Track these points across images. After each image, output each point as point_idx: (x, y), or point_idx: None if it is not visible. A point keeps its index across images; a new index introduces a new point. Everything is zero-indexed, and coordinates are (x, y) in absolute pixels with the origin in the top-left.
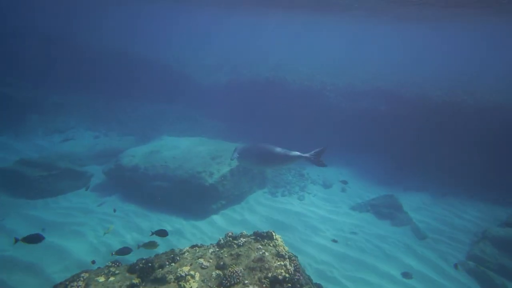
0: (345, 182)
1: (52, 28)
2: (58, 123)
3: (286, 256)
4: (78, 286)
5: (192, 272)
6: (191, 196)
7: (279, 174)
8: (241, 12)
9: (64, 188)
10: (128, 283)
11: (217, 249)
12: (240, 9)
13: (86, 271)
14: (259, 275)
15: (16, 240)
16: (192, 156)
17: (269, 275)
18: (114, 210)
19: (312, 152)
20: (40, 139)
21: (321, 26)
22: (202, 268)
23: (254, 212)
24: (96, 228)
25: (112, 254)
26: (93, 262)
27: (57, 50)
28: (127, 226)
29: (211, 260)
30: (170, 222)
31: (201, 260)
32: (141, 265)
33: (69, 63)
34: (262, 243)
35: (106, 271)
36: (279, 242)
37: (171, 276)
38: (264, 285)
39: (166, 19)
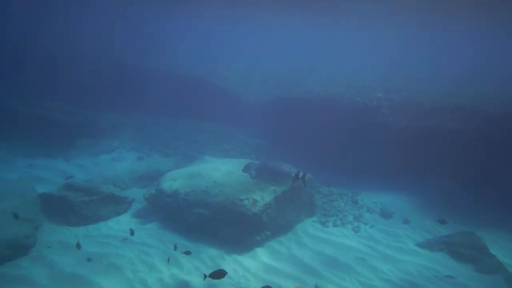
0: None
1: (102, 52)
2: (104, 145)
3: None
4: None
5: None
6: (233, 226)
7: (330, 201)
8: (265, 18)
9: (105, 214)
10: None
11: None
12: (265, 13)
13: None
14: None
15: None
16: (233, 181)
17: None
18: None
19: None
20: (87, 161)
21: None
22: None
23: (302, 245)
24: (134, 261)
25: None
26: None
27: (107, 73)
28: (165, 259)
29: None
30: (211, 256)
31: None
32: None
33: (116, 85)
34: None
35: None
36: None
37: None
38: None
39: (186, 31)
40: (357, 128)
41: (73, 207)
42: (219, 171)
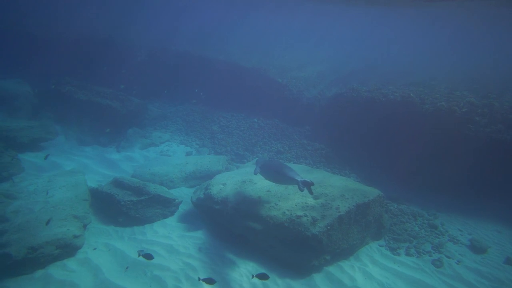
0: None
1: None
2: (154, 138)
3: None
4: None
5: None
6: (288, 246)
7: (401, 222)
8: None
9: (151, 216)
10: None
11: None
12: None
13: None
14: None
15: None
16: (290, 192)
17: None
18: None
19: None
20: (137, 154)
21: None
22: None
23: (369, 276)
24: (179, 277)
25: None
26: None
27: (158, 60)
28: (210, 275)
29: None
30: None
31: None
32: None
33: (167, 73)
34: None
35: None
36: None
37: None
38: None
39: (239, 19)
40: (439, 138)
41: (121, 207)
42: None
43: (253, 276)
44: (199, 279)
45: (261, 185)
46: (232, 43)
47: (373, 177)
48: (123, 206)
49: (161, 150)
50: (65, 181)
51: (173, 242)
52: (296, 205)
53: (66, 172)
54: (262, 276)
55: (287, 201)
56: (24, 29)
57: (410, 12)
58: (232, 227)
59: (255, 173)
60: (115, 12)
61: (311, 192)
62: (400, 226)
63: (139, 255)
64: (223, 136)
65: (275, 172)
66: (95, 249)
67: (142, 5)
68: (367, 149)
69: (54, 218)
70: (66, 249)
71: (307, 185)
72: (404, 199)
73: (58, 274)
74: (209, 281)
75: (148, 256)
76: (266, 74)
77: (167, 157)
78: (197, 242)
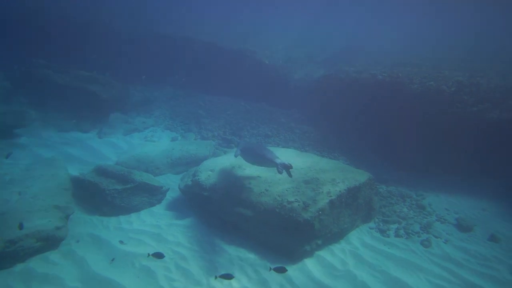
0: None
1: (135, 20)
2: (138, 122)
3: None
4: None
5: None
6: (279, 231)
7: (389, 204)
8: None
9: (138, 204)
10: None
11: None
12: None
13: None
14: None
15: None
16: (280, 177)
17: None
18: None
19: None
20: (120, 140)
21: None
22: None
23: (360, 260)
24: (169, 266)
25: None
26: None
27: (141, 42)
28: (203, 266)
29: None
30: (253, 265)
31: None
32: None
33: (149, 55)
34: None
35: None
36: None
37: None
38: None
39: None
40: (428, 118)
41: (106, 196)
42: None
43: (216, 277)
44: (216, 277)
45: (250, 170)
46: (223, 28)
47: (363, 159)
48: (108, 195)
49: (145, 136)
50: (44, 169)
51: (161, 231)
52: (287, 190)
53: (45, 160)
54: (226, 276)
55: (278, 186)
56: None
57: None
58: (222, 214)
59: (236, 156)
60: None
61: (290, 175)
62: (389, 208)
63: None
64: (209, 121)
65: (255, 154)
66: (78, 241)
67: None
68: (356, 131)
69: (33, 209)
70: (48, 241)
71: (285, 168)
72: (393, 181)
73: (40, 267)
74: (227, 276)
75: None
76: (253, 56)
77: (152, 143)
78: (186, 231)
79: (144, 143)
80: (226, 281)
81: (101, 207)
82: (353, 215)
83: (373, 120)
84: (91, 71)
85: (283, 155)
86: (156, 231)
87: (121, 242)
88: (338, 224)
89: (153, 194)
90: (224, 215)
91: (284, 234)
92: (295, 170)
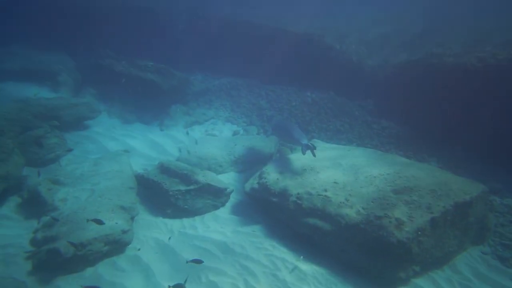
0: None
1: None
2: (198, 115)
3: None
4: None
5: None
6: (366, 252)
7: (509, 222)
8: None
9: (202, 207)
10: None
11: None
12: None
13: None
14: None
15: None
16: (362, 184)
17: None
18: None
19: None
20: (181, 133)
21: None
22: None
23: None
24: (237, 283)
25: None
26: None
27: (200, 31)
28: (272, 284)
29: None
30: None
31: None
32: None
33: (210, 45)
34: None
35: None
36: None
37: None
38: None
39: None
40: None
41: (169, 197)
42: (340, 167)
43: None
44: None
45: (325, 174)
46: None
47: (460, 162)
48: (171, 196)
49: (206, 129)
50: (110, 165)
51: (227, 240)
52: (373, 202)
53: (111, 155)
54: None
55: (361, 196)
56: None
57: None
58: (294, 224)
59: (268, 135)
60: None
61: (314, 155)
62: (509, 227)
63: (186, 262)
64: (273, 113)
65: (285, 130)
66: (139, 249)
67: None
68: (448, 127)
69: (102, 209)
70: (115, 245)
71: (309, 149)
72: (509, 191)
73: (108, 274)
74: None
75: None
76: (321, 40)
77: (213, 137)
78: (255, 241)
79: (205, 137)
80: None
81: (164, 208)
82: (461, 236)
83: (474, 113)
84: (153, 60)
85: (362, 156)
86: (221, 239)
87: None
88: (441, 247)
89: (217, 196)
90: (296, 226)
91: (372, 256)
92: (379, 176)
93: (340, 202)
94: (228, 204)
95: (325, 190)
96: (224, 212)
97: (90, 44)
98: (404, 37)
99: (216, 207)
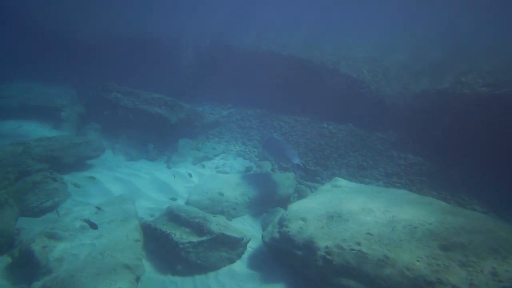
0: None
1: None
2: (207, 149)
3: None
4: None
5: None
6: None
7: None
8: None
9: (216, 261)
10: None
11: None
12: None
13: None
14: None
15: None
16: (401, 236)
17: None
18: None
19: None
20: (190, 170)
21: None
22: None
23: None
24: None
25: None
26: None
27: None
28: None
29: None
30: None
31: None
32: None
33: (218, 75)
34: None
35: None
36: None
37: None
38: None
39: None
40: None
41: (179, 250)
42: (371, 213)
43: None
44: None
45: (355, 223)
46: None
47: (506, 204)
48: (182, 250)
49: (216, 165)
50: (114, 213)
51: None
52: (418, 261)
53: (114, 200)
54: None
55: (403, 252)
56: (67, 32)
57: None
58: (324, 285)
59: (259, 156)
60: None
61: (304, 173)
62: None
63: None
64: (287, 146)
65: (276, 149)
66: None
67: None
68: (488, 163)
69: (102, 270)
70: None
71: (300, 170)
72: None
73: None
74: None
75: None
76: (336, 68)
77: (224, 175)
78: None
79: (216, 175)
80: None
81: (174, 263)
82: None
83: None
84: (158, 90)
85: (395, 199)
86: None
87: None
88: None
89: (233, 248)
90: (327, 287)
91: None
92: (420, 226)
93: (378, 260)
94: (245, 256)
95: (359, 244)
96: (241, 266)
97: (96, 76)
98: (421, 64)
99: (231, 261)
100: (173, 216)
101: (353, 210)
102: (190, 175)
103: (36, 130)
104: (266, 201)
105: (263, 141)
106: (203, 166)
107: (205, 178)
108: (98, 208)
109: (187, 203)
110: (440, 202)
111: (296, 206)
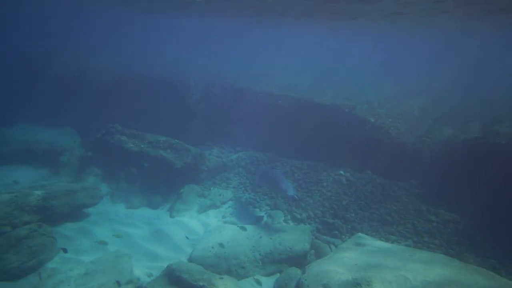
0: None
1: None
2: (214, 196)
3: None
4: None
5: None
6: None
7: None
8: None
9: None
10: None
11: None
12: None
13: None
14: None
15: None
16: None
17: None
18: None
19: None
20: (195, 220)
21: None
22: None
23: None
24: None
25: None
26: None
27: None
28: None
29: None
30: None
31: None
32: None
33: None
34: None
35: None
36: None
37: None
38: None
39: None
40: None
41: None
42: (406, 281)
43: None
44: None
45: None
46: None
47: None
48: None
49: (223, 214)
50: (106, 275)
51: None
52: None
53: (108, 258)
54: None
55: None
56: (73, 76)
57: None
58: None
59: (258, 184)
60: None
61: (298, 205)
62: None
63: None
64: (301, 195)
65: (270, 180)
66: None
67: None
68: None
69: None
70: None
71: (295, 201)
72: None
73: None
74: None
75: None
76: (352, 112)
77: (232, 226)
78: None
79: (223, 226)
80: None
81: None
82: None
83: None
84: (164, 131)
85: (432, 266)
86: None
87: None
88: None
89: None
90: None
91: None
92: None
93: None
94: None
95: None
96: None
97: (102, 118)
98: (441, 110)
99: None
100: (174, 279)
101: (385, 278)
102: (187, 237)
103: (32, 176)
104: (280, 258)
105: (259, 172)
106: (208, 215)
107: (211, 230)
108: (65, 251)
109: (190, 259)
110: (487, 271)
111: (316, 269)
